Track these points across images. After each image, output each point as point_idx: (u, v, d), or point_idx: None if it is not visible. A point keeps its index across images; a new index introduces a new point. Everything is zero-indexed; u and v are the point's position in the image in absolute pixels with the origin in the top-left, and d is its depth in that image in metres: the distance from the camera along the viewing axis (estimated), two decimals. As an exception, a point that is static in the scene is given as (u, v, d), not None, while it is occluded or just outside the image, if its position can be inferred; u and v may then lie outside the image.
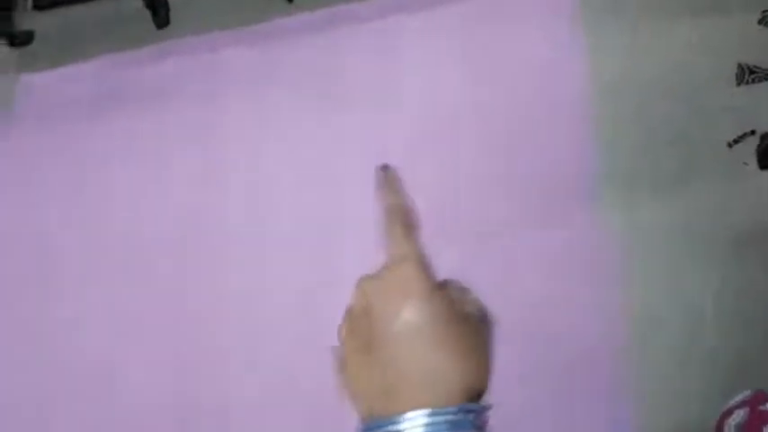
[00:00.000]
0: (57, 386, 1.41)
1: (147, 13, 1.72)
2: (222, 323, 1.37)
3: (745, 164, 1.21)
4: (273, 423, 1.27)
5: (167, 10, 1.75)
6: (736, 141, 1.24)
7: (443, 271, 0.41)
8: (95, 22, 1.82)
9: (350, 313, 0.40)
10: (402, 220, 0.42)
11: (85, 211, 1.56)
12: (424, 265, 0.39)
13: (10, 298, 1.52)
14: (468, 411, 0.36)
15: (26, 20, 1.87)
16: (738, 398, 1.04)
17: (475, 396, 0.37)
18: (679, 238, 1.19)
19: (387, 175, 0.45)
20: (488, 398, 0.39)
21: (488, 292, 1.22)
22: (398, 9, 1.54)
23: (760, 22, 1.33)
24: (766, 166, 1.19)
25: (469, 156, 1.35)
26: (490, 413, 0.38)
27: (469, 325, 0.38)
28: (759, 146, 1.21)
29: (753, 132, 1.23)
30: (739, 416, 1.00)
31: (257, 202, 1.46)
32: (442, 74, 1.45)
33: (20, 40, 1.82)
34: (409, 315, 0.37)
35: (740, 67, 1.29)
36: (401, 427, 0.35)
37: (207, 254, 1.44)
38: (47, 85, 1.77)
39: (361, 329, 0.39)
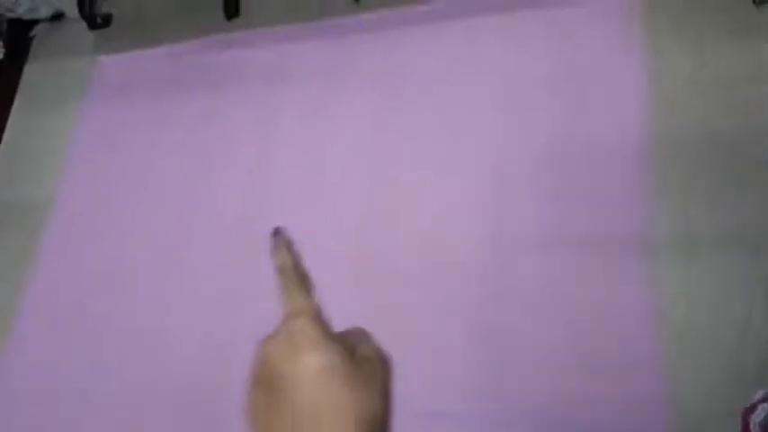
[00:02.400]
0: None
1: (219, 4, 1.80)
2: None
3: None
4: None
5: (237, 2, 1.82)
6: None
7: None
8: (169, 9, 1.90)
9: (253, 371, 0.42)
10: (294, 278, 0.44)
11: (153, 188, 1.65)
12: (318, 317, 0.42)
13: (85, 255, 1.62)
14: None
15: (105, 4, 1.97)
16: (761, 393, 1.05)
17: (375, 430, 0.39)
18: (731, 249, 1.21)
19: (279, 238, 0.48)
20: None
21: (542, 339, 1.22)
22: (462, 13, 1.57)
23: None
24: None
25: (516, 169, 1.38)
26: None
27: (365, 365, 0.40)
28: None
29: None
30: (764, 411, 1.00)
31: (313, 190, 1.51)
32: (501, 82, 1.47)
33: (99, 23, 1.92)
34: (307, 360, 0.39)
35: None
36: None
37: (255, 237, 1.50)
38: (120, 66, 1.86)
39: (263, 383, 0.41)
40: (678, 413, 1.13)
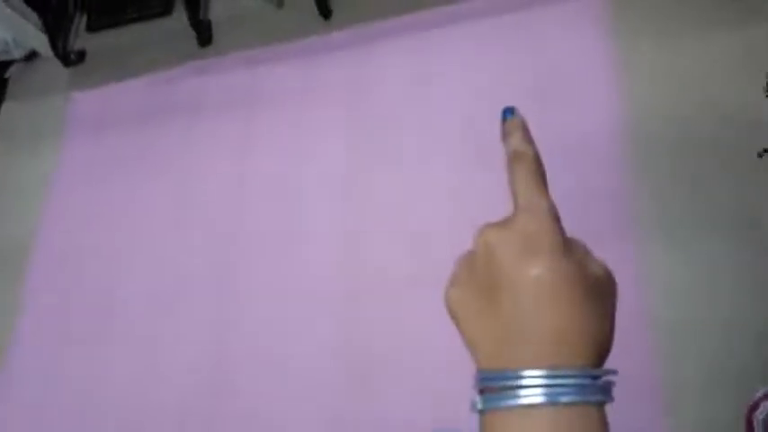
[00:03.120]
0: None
1: (192, 33, 1.80)
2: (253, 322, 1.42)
3: (774, 173, 1.22)
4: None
5: (210, 29, 1.82)
6: (766, 151, 1.24)
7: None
8: (142, 40, 1.90)
9: (471, 257, 0.38)
10: (532, 168, 0.39)
11: (134, 219, 1.64)
12: (554, 218, 0.36)
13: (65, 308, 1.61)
14: (597, 376, 0.34)
15: (79, 41, 1.97)
16: (762, 390, 1.04)
17: (599, 360, 0.35)
18: (713, 244, 1.20)
19: (514, 120, 0.41)
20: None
21: None
22: (434, 25, 1.58)
23: (791, 33, 1.33)
24: (796, 176, 1.20)
25: (498, 172, 1.38)
26: (614, 378, 0.35)
27: (596, 286, 0.36)
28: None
29: (784, 143, 1.24)
30: (766, 408, 0.99)
31: (291, 212, 1.51)
32: (476, 89, 1.48)
33: (73, 59, 1.92)
34: (538, 269, 0.34)
35: (770, 78, 1.29)
36: (522, 383, 0.33)
37: (240, 261, 1.49)
38: (96, 101, 1.86)
39: (481, 275, 0.36)
40: (669, 401, 1.12)
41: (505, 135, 0.41)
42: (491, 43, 1.51)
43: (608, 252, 1.36)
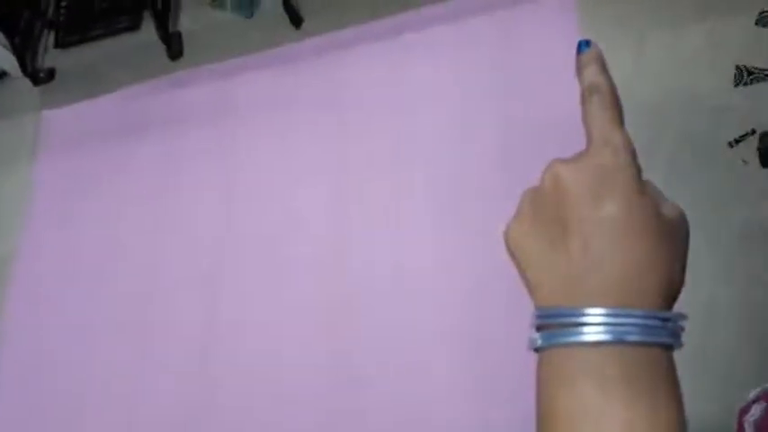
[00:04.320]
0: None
1: (162, 46, 1.79)
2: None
3: (745, 162, 1.24)
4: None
5: (180, 42, 1.81)
6: (737, 141, 1.26)
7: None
8: (112, 57, 1.89)
9: (538, 192, 0.36)
10: (608, 101, 0.37)
11: (113, 235, 1.62)
12: (631, 154, 0.35)
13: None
14: (665, 318, 0.33)
15: (47, 58, 1.95)
16: (754, 392, 1.06)
17: (669, 303, 0.34)
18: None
19: (590, 52, 0.40)
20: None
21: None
22: (404, 28, 1.58)
23: (757, 23, 1.36)
24: (767, 165, 1.21)
25: (481, 169, 1.38)
26: (685, 324, 0.34)
27: (669, 227, 0.35)
28: (759, 145, 1.23)
29: (753, 132, 1.25)
30: (757, 411, 1.01)
31: (272, 223, 1.50)
32: (449, 91, 1.48)
33: (42, 77, 1.90)
34: (613, 207, 0.33)
35: (738, 68, 1.31)
36: (587, 320, 0.32)
37: (222, 274, 1.48)
38: (68, 119, 1.84)
39: (548, 211, 0.35)
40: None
41: (580, 68, 0.40)
42: (464, 44, 1.52)
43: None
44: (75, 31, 1.91)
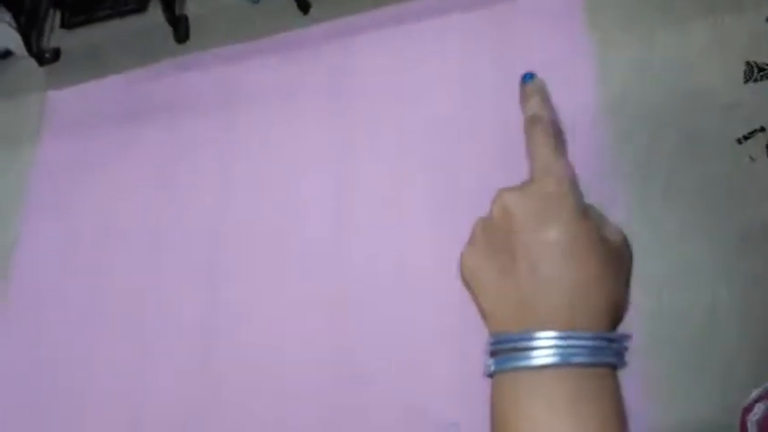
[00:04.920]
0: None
1: (169, 29, 1.78)
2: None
3: (752, 159, 1.23)
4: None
5: (187, 25, 1.80)
6: (746, 138, 1.25)
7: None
8: (118, 38, 1.88)
9: (488, 221, 0.37)
10: (550, 132, 0.39)
11: (115, 218, 1.62)
12: (572, 182, 0.37)
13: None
14: (610, 339, 0.34)
15: (53, 38, 1.94)
16: (756, 392, 1.05)
17: (614, 324, 0.35)
18: (691, 231, 1.21)
19: (533, 84, 0.42)
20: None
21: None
22: (411, 17, 1.57)
23: (767, 19, 1.34)
24: (775, 161, 1.21)
25: (480, 161, 1.38)
26: (629, 344, 0.35)
27: (613, 251, 0.36)
28: (768, 142, 1.23)
29: (762, 129, 1.25)
30: (759, 411, 1.01)
31: (274, 213, 1.50)
32: (455, 82, 1.48)
33: (48, 58, 1.89)
34: (555, 233, 0.34)
35: (748, 64, 1.30)
36: (535, 344, 0.33)
37: (226, 257, 1.48)
38: (73, 100, 1.83)
39: (498, 239, 0.36)
40: (652, 392, 1.13)
41: (524, 99, 0.41)
42: (471, 35, 1.51)
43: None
44: (81, 12, 1.90)
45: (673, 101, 1.32)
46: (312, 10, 1.68)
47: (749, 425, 1.00)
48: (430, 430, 1.21)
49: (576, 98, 1.36)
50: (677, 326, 1.16)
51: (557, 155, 0.38)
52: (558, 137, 0.39)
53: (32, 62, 1.89)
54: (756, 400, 1.03)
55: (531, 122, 0.39)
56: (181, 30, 1.78)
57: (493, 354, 0.35)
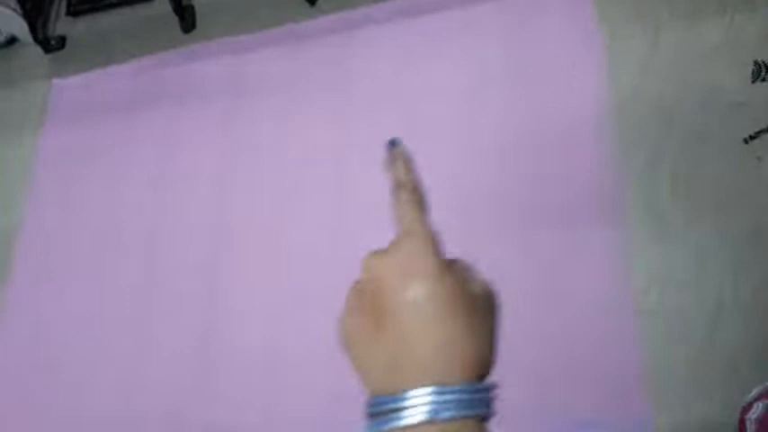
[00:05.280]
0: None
1: (175, 18, 1.77)
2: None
3: (759, 158, 1.23)
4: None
5: (193, 15, 1.80)
6: (752, 137, 1.25)
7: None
8: (124, 27, 1.87)
9: (356, 288, 0.40)
10: (411, 196, 0.42)
11: (118, 206, 1.62)
12: (432, 242, 0.38)
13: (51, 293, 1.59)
14: (477, 390, 0.35)
15: (59, 26, 1.94)
16: (756, 391, 1.06)
17: (482, 374, 0.37)
18: (696, 230, 1.21)
19: (397, 150, 0.45)
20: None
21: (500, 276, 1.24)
22: (420, 11, 1.57)
23: (777, 19, 1.34)
24: (782, 162, 1.20)
25: (484, 160, 1.38)
26: (497, 392, 0.37)
27: (477, 304, 0.37)
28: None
29: (769, 129, 1.24)
30: (758, 409, 1.01)
31: (280, 197, 1.49)
32: (461, 76, 1.47)
33: (53, 45, 1.88)
34: (417, 291, 0.36)
35: (756, 64, 1.30)
36: (406, 404, 0.34)
37: (227, 248, 1.48)
38: (77, 88, 1.83)
39: (367, 305, 0.38)
40: (654, 390, 1.13)
41: (389, 165, 0.44)
42: (479, 29, 1.50)
43: (591, 238, 1.37)
44: (87, 0, 1.90)
45: (680, 97, 1.32)
46: (319, 1, 1.68)
47: (747, 423, 1.00)
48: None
49: (584, 92, 1.35)
50: (680, 325, 1.16)
51: (418, 217, 0.40)
52: (421, 199, 0.42)
53: (38, 49, 1.89)
54: (756, 399, 1.04)
55: (395, 188, 0.42)
56: (187, 19, 1.78)
57: (371, 416, 0.36)
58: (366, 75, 1.55)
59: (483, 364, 0.37)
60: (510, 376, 1.16)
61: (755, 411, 1.02)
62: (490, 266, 1.33)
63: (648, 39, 1.39)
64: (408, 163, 0.44)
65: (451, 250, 1.27)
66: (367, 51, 1.58)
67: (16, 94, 1.89)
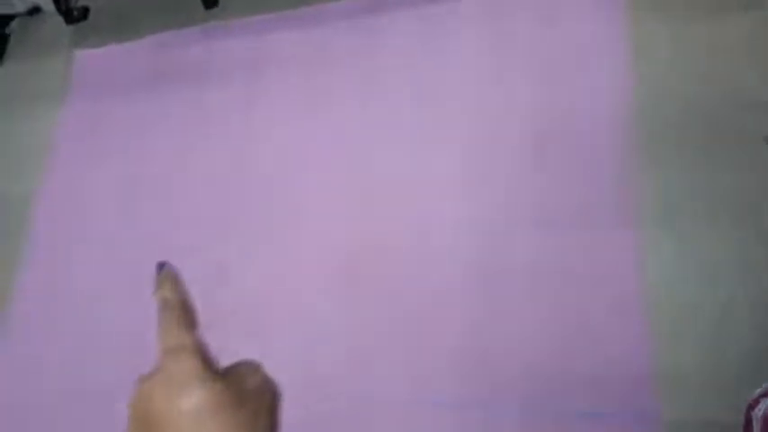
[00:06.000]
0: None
1: (198, -6, 1.78)
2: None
3: (778, 157, 1.23)
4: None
5: (216, -9, 1.80)
6: (772, 136, 1.25)
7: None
8: (147, 1, 1.87)
9: (133, 415, 0.40)
10: (176, 313, 0.43)
11: (137, 182, 1.64)
12: (200, 353, 0.40)
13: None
14: None
15: (82, -3, 1.94)
16: (762, 387, 1.06)
17: None
18: (713, 229, 1.21)
19: (164, 271, 0.46)
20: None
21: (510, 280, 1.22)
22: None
23: (802, 18, 1.32)
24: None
25: (513, 143, 1.38)
26: None
27: (251, 400, 0.39)
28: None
29: (790, 128, 1.24)
30: (765, 405, 1.01)
31: (299, 176, 1.51)
32: (484, 64, 1.47)
33: (76, 16, 1.89)
34: (188, 403, 0.37)
35: (780, 63, 1.29)
36: None
37: (246, 225, 1.50)
38: (99, 60, 1.84)
39: (142, 424, 0.39)
40: (664, 386, 1.13)
41: (157, 287, 0.45)
42: (505, 18, 1.49)
43: (608, 236, 1.36)
44: (111, -28, 1.90)
45: (700, 93, 1.31)
46: (343, -17, 1.67)
47: (754, 419, 1.01)
48: (435, 384, 1.23)
49: (610, 83, 1.35)
50: (691, 323, 1.17)
51: (182, 332, 0.41)
52: (187, 316, 0.42)
53: (60, 20, 1.90)
54: (762, 395, 1.04)
55: (161, 307, 0.43)
56: (210, -5, 1.78)
57: None
58: (389, 57, 1.55)
59: None
60: (526, 367, 1.17)
61: (762, 408, 1.02)
62: (505, 258, 1.34)
63: (670, 34, 1.38)
64: (175, 282, 0.45)
65: (469, 242, 1.27)
66: (390, 34, 1.57)
67: (39, 63, 1.90)
